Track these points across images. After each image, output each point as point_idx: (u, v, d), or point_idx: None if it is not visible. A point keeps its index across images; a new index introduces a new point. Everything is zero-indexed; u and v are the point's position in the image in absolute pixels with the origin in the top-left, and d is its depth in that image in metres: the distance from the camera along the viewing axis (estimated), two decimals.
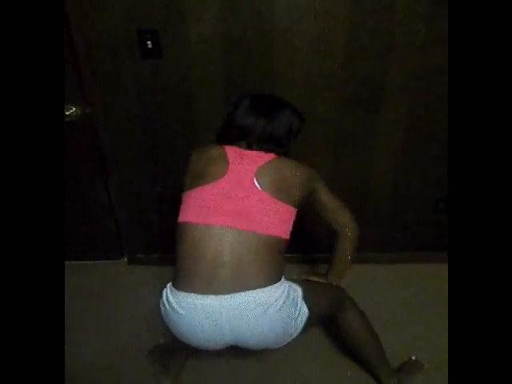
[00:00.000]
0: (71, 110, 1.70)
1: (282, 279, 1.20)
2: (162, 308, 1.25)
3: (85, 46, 1.57)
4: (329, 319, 1.44)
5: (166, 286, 1.25)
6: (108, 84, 1.66)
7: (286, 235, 1.25)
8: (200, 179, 1.24)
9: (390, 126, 1.76)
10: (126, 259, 2.23)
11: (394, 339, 1.63)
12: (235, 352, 1.65)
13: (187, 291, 1.15)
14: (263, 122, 1.31)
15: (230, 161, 1.25)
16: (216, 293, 1.12)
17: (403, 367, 1.57)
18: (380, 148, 1.82)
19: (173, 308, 1.18)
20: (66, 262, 1.72)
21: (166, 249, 2.14)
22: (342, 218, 1.39)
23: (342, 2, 1.48)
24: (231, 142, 1.33)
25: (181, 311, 1.16)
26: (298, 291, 1.23)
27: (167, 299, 1.21)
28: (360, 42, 1.56)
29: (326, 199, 1.37)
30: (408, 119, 1.74)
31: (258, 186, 1.20)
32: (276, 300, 1.14)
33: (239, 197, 1.19)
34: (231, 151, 1.28)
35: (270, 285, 1.15)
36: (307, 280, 1.43)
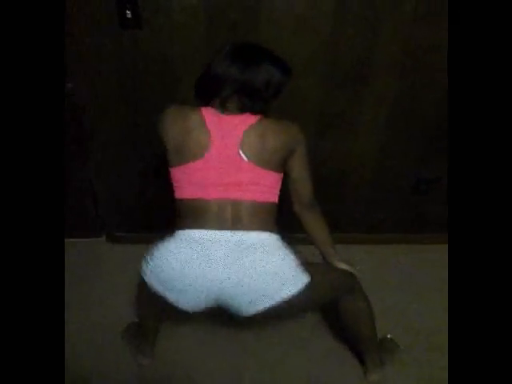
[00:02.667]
0: None
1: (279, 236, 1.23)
2: (154, 261, 1.23)
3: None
4: (331, 302, 1.40)
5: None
6: (88, 57, 1.60)
7: (275, 199, 1.26)
8: (183, 155, 1.20)
9: (374, 103, 1.75)
10: (104, 237, 2.20)
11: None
12: (213, 327, 1.68)
13: (190, 228, 1.19)
14: (237, 69, 1.19)
15: (211, 132, 1.18)
16: (218, 228, 1.17)
17: (382, 345, 1.59)
18: (364, 126, 1.82)
19: (170, 251, 1.19)
20: None
21: (144, 227, 2.12)
22: (305, 196, 1.33)
23: None
24: (207, 99, 1.24)
25: (180, 250, 1.17)
26: (296, 261, 1.22)
27: (163, 242, 1.22)
28: (346, 18, 1.53)
29: (298, 168, 1.29)
30: (393, 97, 1.74)
31: (243, 157, 1.18)
32: (274, 245, 1.19)
33: (227, 170, 1.19)
34: (210, 117, 1.20)
35: (271, 232, 1.21)
36: (314, 263, 1.39)
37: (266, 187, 1.22)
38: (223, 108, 1.21)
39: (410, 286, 1.94)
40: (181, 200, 1.24)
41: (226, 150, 1.18)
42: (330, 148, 1.86)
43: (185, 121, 1.21)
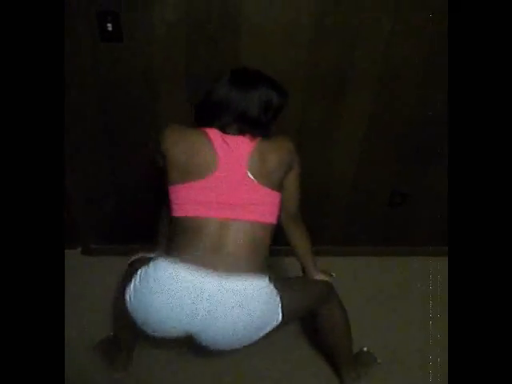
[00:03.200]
0: None
1: (267, 278, 1.22)
2: (134, 285, 1.21)
3: None
4: (309, 313, 1.43)
5: (145, 265, 1.23)
6: (66, 68, 1.59)
7: (274, 220, 1.29)
8: (188, 173, 1.20)
9: (352, 118, 1.78)
10: (80, 249, 2.16)
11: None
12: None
13: (176, 263, 1.16)
14: (236, 95, 1.22)
15: (218, 152, 1.20)
16: (204, 273, 1.14)
17: (358, 359, 1.61)
18: (341, 140, 1.85)
19: (152, 281, 1.16)
20: None
21: (121, 239, 2.10)
22: (293, 209, 1.39)
23: None
24: (207, 123, 1.26)
25: (162, 283, 1.15)
26: (278, 297, 1.22)
27: (146, 272, 1.19)
28: (325, 32, 1.56)
29: (292, 183, 1.34)
30: (370, 112, 1.77)
31: (250, 176, 1.21)
32: (258, 295, 1.17)
33: (235, 189, 1.20)
34: (214, 136, 1.22)
35: (257, 277, 1.19)
36: (290, 281, 1.46)
37: (270, 207, 1.25)
38: (224, 131, 1.23)
39: (386, 299, 1.97)
40: (178, 218, 1.23)
41: (233, 171, 1.20)
42: (307, 162, 1.87)
43: (190, 140, 1.23)
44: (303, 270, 1.48)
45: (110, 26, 1.50)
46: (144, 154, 1.82)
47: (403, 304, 1.94)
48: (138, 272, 1.22)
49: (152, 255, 1.43)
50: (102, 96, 1.67)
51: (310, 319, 1.48)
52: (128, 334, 1.53)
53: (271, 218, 1.26)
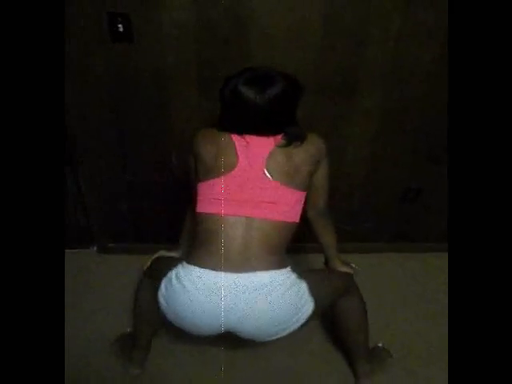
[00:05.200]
0: None
1: (289, 268, 1.25)
2: (166, 287, 1.27)
3: None
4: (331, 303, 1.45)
5: (175, 266, 1.27)
6: (78, 69, 1.61)
7: (297, 219, 1.30)
8: (212, 172, 1.26)
9: (363, 116, 1.78)
10: (95, 248, 2.19)
11: None
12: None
13: (200, 266, 1.21)
14: (253, 95, 1.20)
15: (239, 153, 1.24)
16: (226, 271, 1.18)
17: (373, 354, 1.60)
18: (353, 138, 1.84)
19: (182, 284, 1.21)
20: None
21: (136, 237, 2.12)
22: (322, 204, 1.39)
23: None
24: (230, 127, 1.28)
25: (189, 286, 1.20)
26: (303, 283, 1.25)
27: (177, 276, 1.24)
28: (335, 33, 1.56)
29: (321, 178, 1.35)
30: (382, 110, 1.76)
31: (268, 175, 1.23)
32: (280, 285, 1.20)
33: (251, 188, 1.23)
34: (238, 140, 1.26)
35: (278, 269, 1.22)
36: (313, 271, 1.49)
37: (287, 206, 1.25)
38: (246, 132, 1.26)
39: (400, 295, 1.96)
40: (199, 214, 1.29)
41: (251, 169, 1.23)
42: None
43: (217, 142, 1.28)
44: (326, 262, 1.51)
45: (121, 27, 1.51)
46: (156, 154, 1.84)
47: (418, 300, 1.94)
48: (168, 275, 1.27)
49: (173, 254, 1.54)
50: (113, 96, 1.69)
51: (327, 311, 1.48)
52: (146, 331, 1.56)
53: (291, 217, 1.27)
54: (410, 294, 1.97)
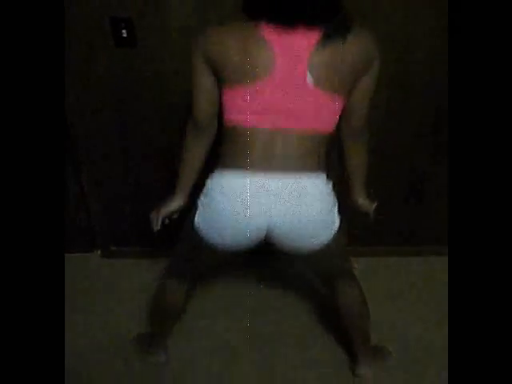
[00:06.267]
0: None
1: (325, 175, 1.15)
2: (203, 201, 1.15)
3: None
4: (330, 282, 1.42)
5: (209, 177, 1.15)
6: (81, 74, 1.63)
7: (334, 127, 1.14)
8: (241, 75, 1.03)
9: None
10: (99, 252, 2.20)
11: None
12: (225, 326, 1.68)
13: (239, 169, 1.09)
14: None
15: (275, 50, 1.00)
16: (266, 172, 1.07)
17: (374, 351, 1.60)
18: None
19: (220, 192, 1.11)
20: None
21: (139, 242, 2.12)
22: (359, 123, 1.18)
23: None
24: (257, 12, 1.02)
25: (229, 192, 1.09)
26: (335, 198, 1.18)
27: (211, 187, 1.13)
28: None
29: (365, 90, 1.11)
30: (387, 105, 1.76)
31: (310, 82, 1.02)
32: (321, 190, 1.12)
33: (291, 96, 1.04)
34: (271, 33, 1.00)
35: (319, 174, 1.12)
36: None
37: (327, 116, 1.09)
38: (280, 22, 1.00)
39: (404, 298, 1.96)
40: (229, 126, 1.11)
41: (292, 73, 1.02)
42: None
43: (242, 37, 1.02)
44: (349, 191, 1.36)
45: (124, 33, 1.53)
46: (159, 157, 1.85)
47: (422, 302, 1.93)
48: (202, 197, 1.16)
49: (173, 206, 1.30)
50: (116, 99, 1.71)
51: (329, 302, 1.50)
52: (164, 330, 1.57)
53: (329, 127, 1.12)
54: (411, 296, 1.97)
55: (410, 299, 1.94)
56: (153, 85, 1.66)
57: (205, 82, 1.10)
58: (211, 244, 1.18)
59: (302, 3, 0.97)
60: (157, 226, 1.30)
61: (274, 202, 1.08)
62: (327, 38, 0.99)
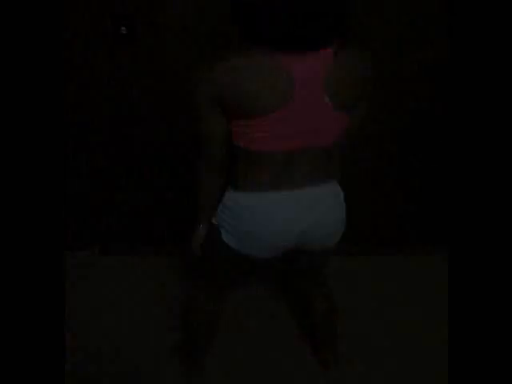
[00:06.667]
0: None
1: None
2: (230, 222, 1.17)
3: None
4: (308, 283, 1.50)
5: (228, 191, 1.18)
6: (82, 69, 1.62)
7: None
8: (261, 107, 0.99)
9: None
10: (97, 249, 2.19)
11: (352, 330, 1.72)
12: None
13: (261, 188, 1.12)
14: None
15: (295, 75, 0.97)
16: (289, 186, 1.12)
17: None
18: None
19: (251, 212, 1.13)
20: None
21: (139, 239, 2.12)
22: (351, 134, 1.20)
23: None
24: (261, 39, 0.96)
25: (259, 211, 1.13)
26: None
27: (236, 200, 1.15)
28: None
29: (363, 105, 1.15)
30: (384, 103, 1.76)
31: (327, 101, 1.02)
32: (340, 192, 1.23)
33: (310, 118, 1.03)
34: (287, 58, 0.96)
35: (334, 180, 1.22)
36: None
37: (339, 131, 1.10)
38: (298, 48, 0.97)
39: (398, 297, 1.96)
40: (245, 151, 1.07)
41: (310, 95, 1.00)
42: None
43: (256, 70, 0.97)
44: None
45: (124, 29, 1.52)
46: (160, 155, 1.84)
47: (422, 302, 1.94)
48: (224, 216, 1.18)
49: (202, 235, 1.30)
50: (115, 96, 1.70)
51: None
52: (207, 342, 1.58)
53: (339, 139, 1.13)
54: (410, 296, 1.97)
55: (409, 299, 1.95)
56: (152, 82, 1.66)
57: (215, 123, 1.06)
58: (245, 255, 1.22)
59: (317, 27, 0.94)
60: (200, 253, 1.32)
61: (301, 211, 1.15)
62: (333, 59, 0.99)
